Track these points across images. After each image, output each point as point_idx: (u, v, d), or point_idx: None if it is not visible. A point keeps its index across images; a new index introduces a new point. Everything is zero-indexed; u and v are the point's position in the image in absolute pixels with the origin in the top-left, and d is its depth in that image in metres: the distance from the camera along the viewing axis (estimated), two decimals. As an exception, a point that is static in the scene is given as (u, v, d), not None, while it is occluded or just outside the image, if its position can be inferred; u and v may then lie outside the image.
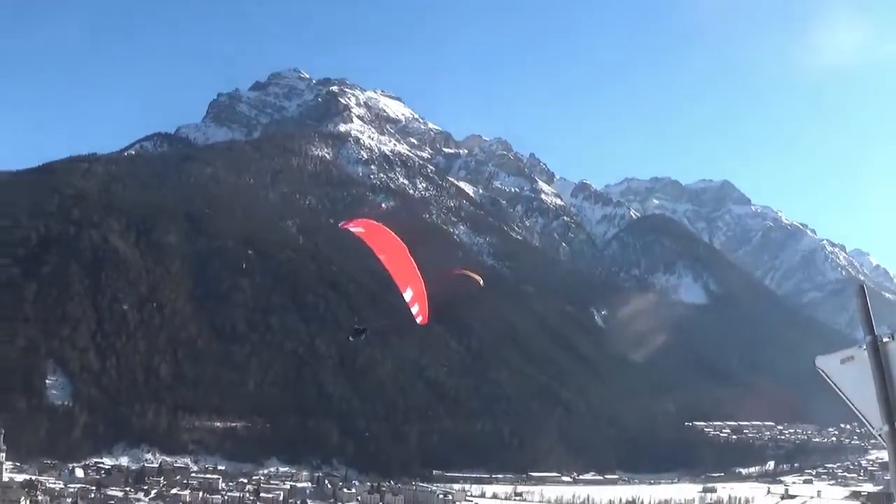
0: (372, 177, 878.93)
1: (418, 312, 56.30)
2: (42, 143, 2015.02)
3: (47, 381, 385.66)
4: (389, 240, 59.84)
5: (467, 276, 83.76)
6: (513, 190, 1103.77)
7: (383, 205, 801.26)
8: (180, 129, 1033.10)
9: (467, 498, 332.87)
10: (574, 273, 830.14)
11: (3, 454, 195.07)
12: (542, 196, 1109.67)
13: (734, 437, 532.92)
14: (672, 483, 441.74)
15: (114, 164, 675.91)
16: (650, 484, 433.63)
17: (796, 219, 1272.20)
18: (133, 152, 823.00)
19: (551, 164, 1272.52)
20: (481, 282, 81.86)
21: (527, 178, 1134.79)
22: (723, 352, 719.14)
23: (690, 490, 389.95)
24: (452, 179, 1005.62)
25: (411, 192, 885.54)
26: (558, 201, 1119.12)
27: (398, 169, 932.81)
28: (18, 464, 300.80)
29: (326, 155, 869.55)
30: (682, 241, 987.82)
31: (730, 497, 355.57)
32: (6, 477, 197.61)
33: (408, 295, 55.24)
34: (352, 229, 68.56)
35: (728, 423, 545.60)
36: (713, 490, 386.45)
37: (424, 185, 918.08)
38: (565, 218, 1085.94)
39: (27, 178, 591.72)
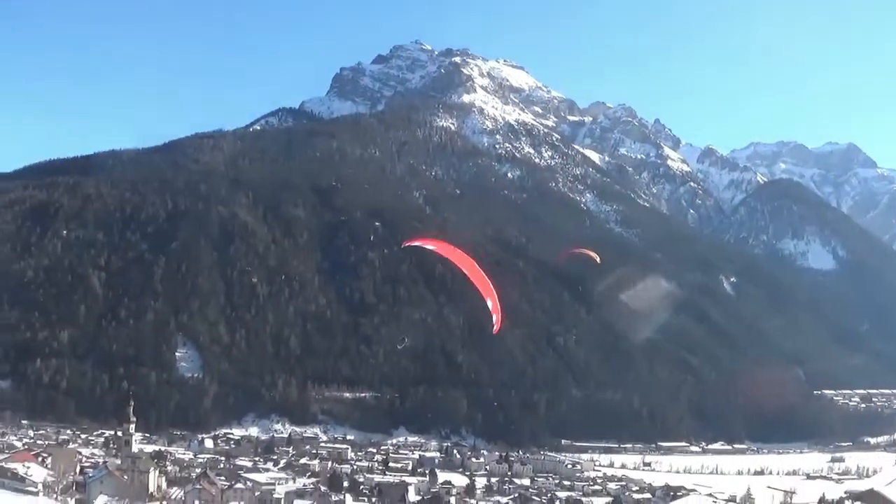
0: (497, 146, 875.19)
1: (496, 321, 56.76)
2: (168, 122, 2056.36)
3: (177, 355, 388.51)
4: (463, 255, 59.69)
5: (585, 254, 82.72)
6: (638, 157, 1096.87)
7: (509, 174, 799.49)
8: (305, 103, 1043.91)
9: (596, 467, 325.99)
10: (702, 240, 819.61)
11: (133, 426, 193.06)
12: (669, 162, 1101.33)
13: (863, 405, 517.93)
14: (800, 453, 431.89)
15: (240, 140, 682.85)
16: (778, 454, 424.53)
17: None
18: (258, 127, 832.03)
19: (676, 130, 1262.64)
20: (598, 260, 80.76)
21: (652, 144, 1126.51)
22: (852, 318, 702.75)
23: (819, 460, 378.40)
24: (578, 147, 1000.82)
25: (537, 160, 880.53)
26: (685, 167, 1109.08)
27: (523, 138, 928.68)
28: (148, 435, 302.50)
29: (451, 126, 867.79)
30: (810, 206, 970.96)
31: (858, 467, 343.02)
32: (136, 448, 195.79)
33: (490, 304, 55.30)
34: (425, 246, 66.65)
35: (857, 391, 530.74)
36: (841, 460, 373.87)
37: (550, 154, 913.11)
38: (692, 184, 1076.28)
39: (154, 155, 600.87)
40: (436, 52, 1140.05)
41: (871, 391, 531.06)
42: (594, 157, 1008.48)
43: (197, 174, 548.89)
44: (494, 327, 55.94)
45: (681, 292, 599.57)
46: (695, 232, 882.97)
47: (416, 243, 61.92)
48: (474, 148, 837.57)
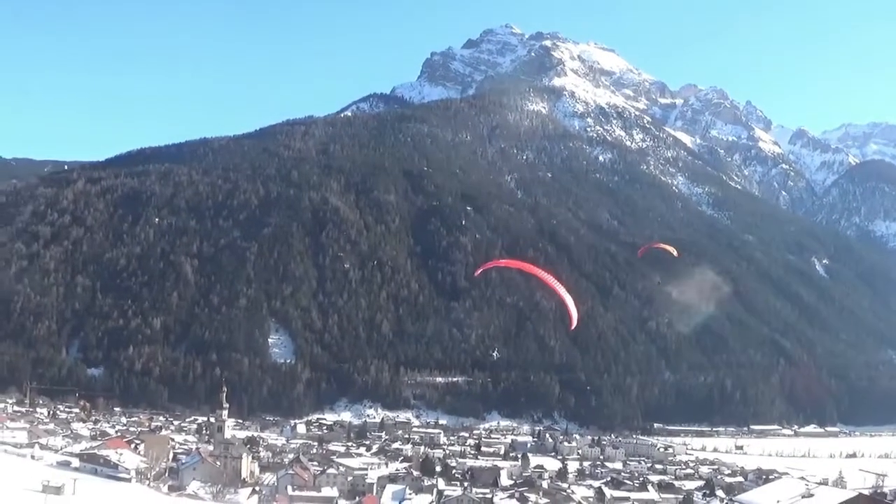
0: (588, 129, 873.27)
1: (572, 319, 55.75)
2: (260, 109, 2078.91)
3: (270, 340, 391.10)
4: (534, 267, 59.41)
5: (663, 248, 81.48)
6: (730, 139, 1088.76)
7: (600, 157, 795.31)
8: (395, 89, 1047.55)
9: (688, 451, 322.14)
10: (794, 222, 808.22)
11: (226, 412, 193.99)
12: (760, 144, 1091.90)
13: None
14: (893, 435, 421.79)
15: (331, 126, 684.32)
16: (870, 436, 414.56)
17: None
18: (349, 113, 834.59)
19: (768, 111, 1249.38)
20: (675, 253, 78.95)
21: (744, 126, 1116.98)
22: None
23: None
24: (669, 130, 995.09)
25: (628, 143, 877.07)
26: (776, 149, 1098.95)
27: (614, 121, 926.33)
28: (241, 421, 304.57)
29: (542, 109, 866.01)
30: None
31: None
32: (229, 434, 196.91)
33: (569, 303, 54.19)
34: (497, 265, 66.56)
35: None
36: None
37: (641, 137, 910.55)
38: (784, 166, 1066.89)
39: (246, 142, 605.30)
40: (526, 36, 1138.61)
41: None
42: (685, 139, 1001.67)
43: (288, 160, 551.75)
44: (571, 324, 55.51)
45: (773, 274, 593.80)
46: (787, 214, 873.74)
47: (490, 266, 62.86)
48: (565, 131, 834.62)
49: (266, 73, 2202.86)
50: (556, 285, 60.08)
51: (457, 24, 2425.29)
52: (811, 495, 68.23)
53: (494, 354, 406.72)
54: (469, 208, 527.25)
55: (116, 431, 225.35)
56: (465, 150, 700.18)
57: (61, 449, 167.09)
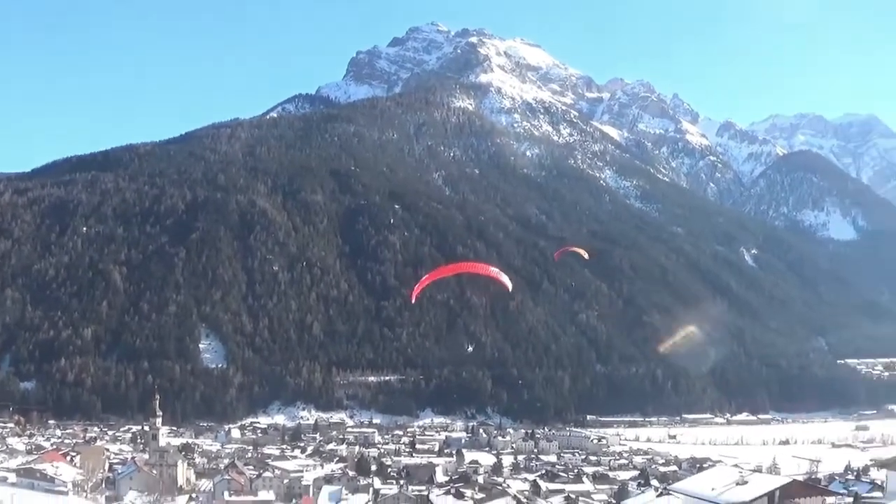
0: (515, 125, 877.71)
1: (506, 284, 57.60)
2: (185, 113, 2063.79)
3: (201, 346, 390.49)
4: (456, 266, 61.78)
5: (576, 251, 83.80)
6: (657, 132, 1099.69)
7: (528, 152, 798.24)
8: (321, 88, 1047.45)
9: (621, 442, 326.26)
10: (723, 213, 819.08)
11: (160, 419, 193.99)
12: (687, 136, 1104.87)
13: (886, 374, 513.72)
14: (825, 422, 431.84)
15: (257, 128, 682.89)
16: (803, 423, 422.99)
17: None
18: (275, 115, 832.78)
19: (695, 104, 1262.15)
20: (587, 256, 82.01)
21: (671, 118, 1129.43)
22: (874, 288, 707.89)
23: (843, 428, 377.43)
24: (596, 124, 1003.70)
25: (555, 138, 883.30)
26: (704, 141, 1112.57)
27: (541, 116, 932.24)
28: (175, 428, 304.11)
29: (469, 106, 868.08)
30: (830, 177, 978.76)
31: (882, 435, 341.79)
32: (163, 441, 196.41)
33: (498, 273, 56.13)
34: (429, 281, 68.11)
35: (880, 359, 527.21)
36: (865, 428, 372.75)
37: (568, 131, 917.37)
38: (711, 157, 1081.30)
39: (172, 147, 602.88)
40: (452, 33, 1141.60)
41: (894, 359, 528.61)
42: (613, 133, 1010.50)
43: (215, 164, 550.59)
44: (508, 286, 57.27)
45: (702, 265, 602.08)
46: (715, 205, 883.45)
47: (423, 286, 64.07)
48: (493, 127, 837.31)
49: (190, 76, 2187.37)
50: (480, 267, 62.06)
51: (382, 23, 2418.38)
52: (745, 482, 70.19)
53: (469, 349, 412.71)
54: (397, 207, 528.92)
55: (52, 444, 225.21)
56: (393, 148, 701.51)
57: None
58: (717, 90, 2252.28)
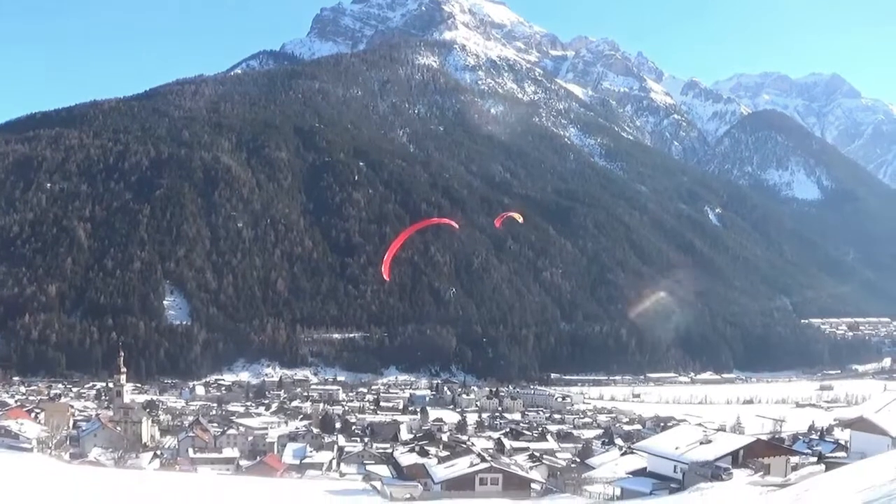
0: (480, 83, 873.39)
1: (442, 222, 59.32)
2: (149, 69, 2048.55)
3: (165, 303, 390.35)
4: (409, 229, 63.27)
5: (511, 216, 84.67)
6: (622, 90, 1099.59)
7: (492, 110, 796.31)
8: (285, 45, 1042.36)
9: (585, 400, 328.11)
10: (687, 172, 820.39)
11: (124, 376, 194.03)
12: (652, 95, 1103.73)
13: (850, 333, 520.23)
14: (789, 381, 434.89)
15: (220, 85, 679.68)
16: (767, 382, 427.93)
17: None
18: (239, 71, 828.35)
19: (660, 62, 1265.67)
20: (521, 219, 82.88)
21: (635, 77, 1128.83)
22: (838, 247, 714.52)
23: (807, 388, 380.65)
24: (560, 82, 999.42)
25: (520, 96, 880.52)
26: (668, 100, 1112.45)
27: (505, 74, 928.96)
28: (139, 385, 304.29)
29: (433, 63, 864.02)
30: (794, 136, 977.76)
31: (846, 394, 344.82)
32: (128, 398, 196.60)
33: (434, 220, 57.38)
34: (394, 249, 69.67)
35: (844, 319, 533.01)
36: (830, 388, 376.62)
37: (533, 89, 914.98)
38: (676, 116, 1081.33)
39: (135, 103, 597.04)
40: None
41: (857, 319, 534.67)
42: (577, 91, 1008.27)
43: (179, 121, 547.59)
44: (454, 225, 59.43)
45: (666, 224, 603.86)
46: (679, 164, 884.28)
47: (390, 257, 65.43)
48: (457, 85, 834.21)
49: (154, 33, 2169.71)
50: (424, 222, 63.99)
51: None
52: (709, 441, 70.60)
53: (452, 292, 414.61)
54: (361, 164, 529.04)
55: (16, 401, 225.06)
56: (357, 105, 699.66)
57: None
58: (681, 48, 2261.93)
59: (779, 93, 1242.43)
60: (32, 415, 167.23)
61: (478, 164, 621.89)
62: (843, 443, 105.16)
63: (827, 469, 66.05)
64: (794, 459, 77.41)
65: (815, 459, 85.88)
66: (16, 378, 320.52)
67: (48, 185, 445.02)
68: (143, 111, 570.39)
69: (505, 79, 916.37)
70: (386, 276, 67.16)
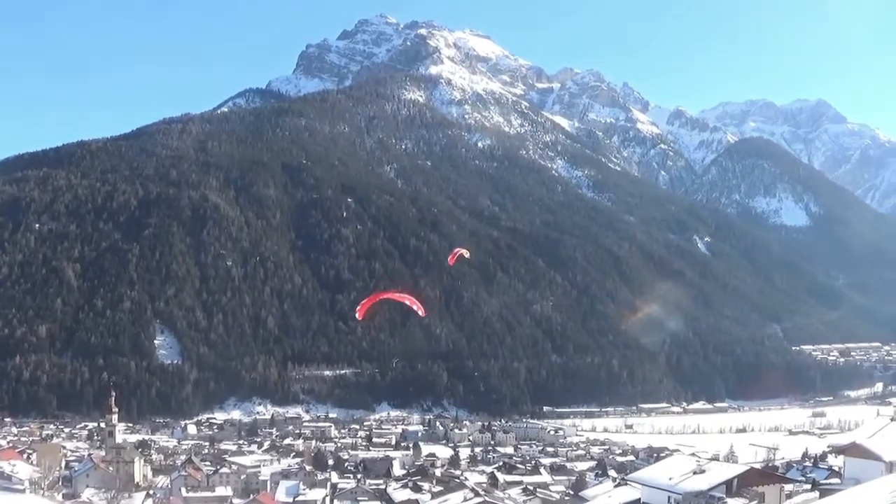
0: (466, 116, 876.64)
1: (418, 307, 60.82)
2: (135, 109, 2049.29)
3: (156, 342, 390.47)
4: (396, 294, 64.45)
5: (460, 254, 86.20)
6: (608, 121, 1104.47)
7: (479, 143, 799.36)
8: (271, 83, 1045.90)
9: (578, 432, 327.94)
10: (675, 201, 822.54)
11: (116, 416, 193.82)
12: (638, 125, 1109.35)
13: (842, 359, 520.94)
14: (781, 409, 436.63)
15: (207, 123, 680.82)
16: (759, 410, 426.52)
17: (894, 135, 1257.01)
18: (226, 109, 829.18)
19: (645, 92, 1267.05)
20: (467, 255, 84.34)
21: (621, 107, 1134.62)
22: (828, 273, 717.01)
23: (800, 415, 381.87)
24: (547, 114, 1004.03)
25: (507, 129, 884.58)
26: (654, 129, 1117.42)
27: (492, 107, 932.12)
28: (131, 424, 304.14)
29: (419, 98, 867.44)
30: (781, 163, 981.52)
31: (839, 420, 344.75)
32: (120, 438, 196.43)
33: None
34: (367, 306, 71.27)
35: (835, 345, 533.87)
36: (822, 414, 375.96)
37: (519, 122, 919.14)
38: (662, 146, 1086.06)
39: (123, 143, 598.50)
40: (401, 25, 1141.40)
41: (849, 345, 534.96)
42: (564, 123, 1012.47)
43: (166, 160, 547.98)
44: (420, 311, 60.74)
45: (655, 254, 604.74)
46: (667, 193, 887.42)
47: (368, 304, 67.67)
48: (444, 119, 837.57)
49: (140, 72, 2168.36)
50: (402, 296, 65.22)
51: (332, 16, 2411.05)
52: (703, 471, 70.73)
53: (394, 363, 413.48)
54: (350, 200, 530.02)
55: (8, 442, 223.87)
56: (344, 141, 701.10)
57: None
58: (666, 78, 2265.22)
59: (764, 120, 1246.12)
60: (24, 456, 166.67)
61: (466, 198, 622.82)
62: (836, 469, 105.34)
63: (821, 496, 66.43)
64: (789, 487, 77.61)
65: (809, 487, 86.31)
66: (7, 419, 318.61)
67: (37, 225, 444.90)
68: (130, 151, 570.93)
69: (491, 112, 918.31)
70: (359, 316, 68.80)
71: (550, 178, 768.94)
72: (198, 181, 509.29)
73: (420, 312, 63.22)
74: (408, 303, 62.73)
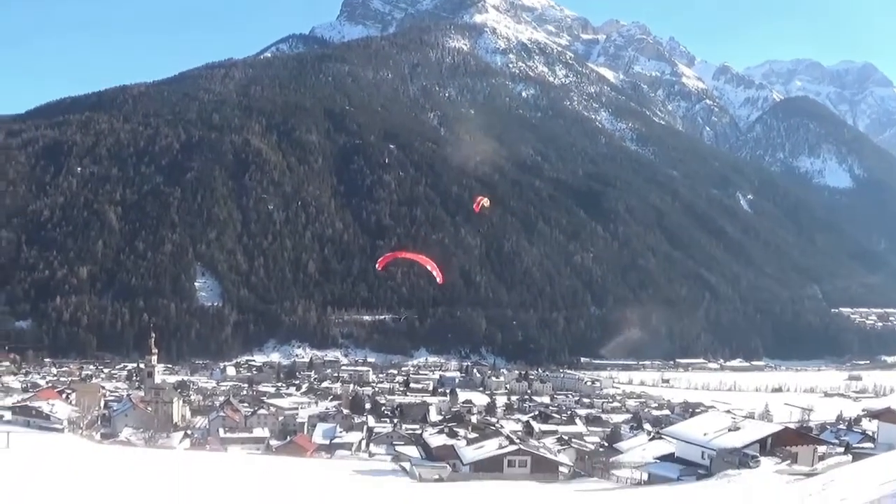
0: (511, 66, 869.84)
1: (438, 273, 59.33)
2: (180, 54, 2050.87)
3: (196, 284, 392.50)
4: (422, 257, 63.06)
5: (482, 202, 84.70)
6: (653, 74, 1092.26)
7: (523, 93, 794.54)
8: (315, 29, 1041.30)
9: (615, 385, 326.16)
10: (719, 157, 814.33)
11: (156, 357, 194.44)
12: (684, 80, 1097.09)
13: (880, 324, 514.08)
14: (818, 370, 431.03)
15: (251, 68, 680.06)
16: (796, 371, 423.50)
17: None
18: (269, 55, 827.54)
19: (691, 47, 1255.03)
20: (487, 203, 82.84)
21: (667, 61, 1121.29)
22: (869, 237, 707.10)
23: (836, 377, 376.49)
24: (592, 65, 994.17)
25: (551, 79, 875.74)
26: (700, 84, 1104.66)
27: (536, 57, 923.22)
28: (170, 366, 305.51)
29: (463, 46, 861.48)
30: (826, 123, 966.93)
31: (875, 385, 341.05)
32: (159, 379, 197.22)
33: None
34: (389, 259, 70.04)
35: (874, 309, 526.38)
36: (858, 378, 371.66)
37: (564, 73, 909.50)
38: (707, 101, 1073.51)
39: (166, 87, 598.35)
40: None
41: (887, 310, 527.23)
42: (608, 75, 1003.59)
43: (209, 104, 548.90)
44: (439, 277, 59.31)
45: (698, 209, 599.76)
46: (711, 149, 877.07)
47: (390, 258, 66.69)
48: (487, 67, 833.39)
49: (186, 16, 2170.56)
50: (424, 259, 63.93)
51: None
52: (738, 428, 69.78)
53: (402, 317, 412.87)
54: (392, 146, 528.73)
55: (47, 382, 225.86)
56: (387, 88, 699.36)
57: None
58: (712, 34, 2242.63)
59: (810, 79, 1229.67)
60: (64, 396, 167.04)
61: (508, 147, 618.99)
62: (870, 434, 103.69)
63: (854, 460, 65.22)
64: (822, 449, 76.38)
65: (842, 450, 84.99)
66: (47, 359, 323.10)
67: (78, 169, 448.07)
68: (173, 95, 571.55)
69: (536, 62, 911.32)
70: (379, 267, 67.98)
71: (594, 129, 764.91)
72: (240, 126, 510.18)
73: (438, 279, 61.78)
74: (428, 268, 61.19)
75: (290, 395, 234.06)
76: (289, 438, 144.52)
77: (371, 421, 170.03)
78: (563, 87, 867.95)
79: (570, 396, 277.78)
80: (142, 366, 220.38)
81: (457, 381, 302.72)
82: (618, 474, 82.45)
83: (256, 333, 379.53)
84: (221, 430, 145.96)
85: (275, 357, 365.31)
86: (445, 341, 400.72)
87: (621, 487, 74.30)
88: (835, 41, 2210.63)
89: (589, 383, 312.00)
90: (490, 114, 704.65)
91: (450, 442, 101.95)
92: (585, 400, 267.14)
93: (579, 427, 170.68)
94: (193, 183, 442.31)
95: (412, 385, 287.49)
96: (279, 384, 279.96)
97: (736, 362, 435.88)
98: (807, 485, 49.96)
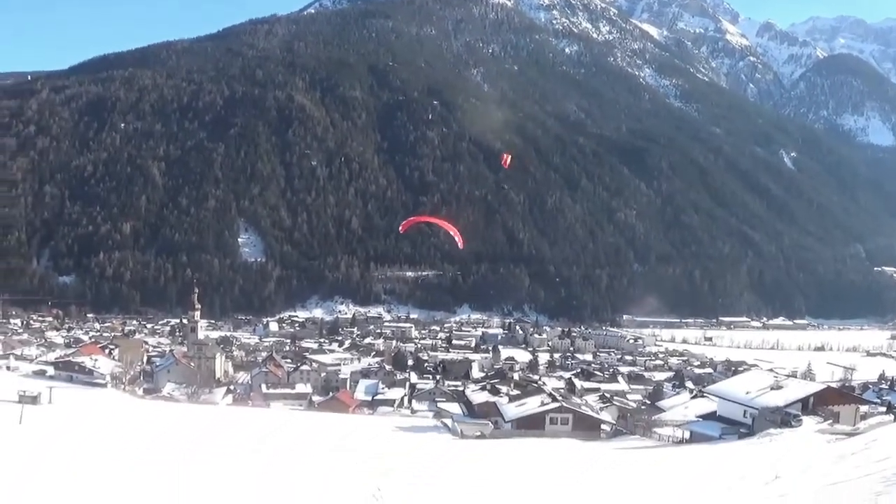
0: (554, 22, 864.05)
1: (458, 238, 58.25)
2: (223, 10, 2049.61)
3: (240, 240, 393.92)
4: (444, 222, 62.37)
5: (507, 158, 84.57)
6: (697, 31, 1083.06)
7: (567, 50, 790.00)
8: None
9: (657, 342, 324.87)
10: (762, 114, 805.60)
11: (198, 313, 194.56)
12: (727, 36, 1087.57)
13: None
14: (860, 329, 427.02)
15: (294, 24, 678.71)
16: (838, 329, 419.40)
17: None
18: (312, 11, 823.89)
19: (735, 4, 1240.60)
20: (509, 159, 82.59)
21: (711, 18, 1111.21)
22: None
23: (878, 336, 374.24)
24: (635, 22, 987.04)
25: (595, 35, 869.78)
26: (744, 41, 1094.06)
27: (580, 13, 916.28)
28: (213, 321, 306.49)
29: (507, 2, 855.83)
30: (870, 81, 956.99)
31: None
32: (202, 335, 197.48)
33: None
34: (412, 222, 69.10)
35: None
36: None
37: (607, 29, 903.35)
38: (751, 58, 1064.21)
39: (209, 43, 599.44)
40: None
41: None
42: (652, 31, 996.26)
43: (252, 60, 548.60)
44: (460, 243, 58.31)
45: (741, 166, 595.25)
46: (755, 106, 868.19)
47: (409, 223, 66.65)
48: (531, 24, 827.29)
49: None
50: (447, 225, 63.07)
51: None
52: (780, 387, 69.61)
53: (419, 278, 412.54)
54: (435, 102, 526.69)
55: (90, 338, 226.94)
56: (431, 44, 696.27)
57: (36, 358, 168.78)
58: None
59: (854, 37, 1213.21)
60: (107, 351, 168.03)
61: (552, 104, 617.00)
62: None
63: (896, 419, 64.31)
64: (864, 408, 75.67)
65: (884, 409, 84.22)
66: (90, 315, 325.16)
67: (122, 125, 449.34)
68: (216, 51, 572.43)
69: (580, 18, 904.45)
70: (402, 230, 67.68)
71: (637, 86, 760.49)
72: (284, 82, 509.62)
73: (459, 245, 60.84)
74: (451, 232, 60.17)
75: (332, 351, 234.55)
76: (331, 394, 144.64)
77: (413, 377, 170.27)
78: (606, 43, 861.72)
79: (613, 354, 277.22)
80: (185, 321, 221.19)
81: (499, 337, 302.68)
82: (660, 432, 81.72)
83: (299, 289, 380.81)
84: (264, 386, 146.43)
85: (317, 313, 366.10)
86: (488, 298, 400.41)
87: (663, 445, 73.50)
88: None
89: (631, 341, 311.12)
90: (533, 70, 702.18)
91: (492, 399, 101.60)
92: (628, 357, 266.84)
93: (621, 385, 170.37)
94: (237, 139, 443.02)
95: (455, 342, 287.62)
96: (322, 340, 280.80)
97: (779, 320, 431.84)
98: (849, 444, 49.20)
